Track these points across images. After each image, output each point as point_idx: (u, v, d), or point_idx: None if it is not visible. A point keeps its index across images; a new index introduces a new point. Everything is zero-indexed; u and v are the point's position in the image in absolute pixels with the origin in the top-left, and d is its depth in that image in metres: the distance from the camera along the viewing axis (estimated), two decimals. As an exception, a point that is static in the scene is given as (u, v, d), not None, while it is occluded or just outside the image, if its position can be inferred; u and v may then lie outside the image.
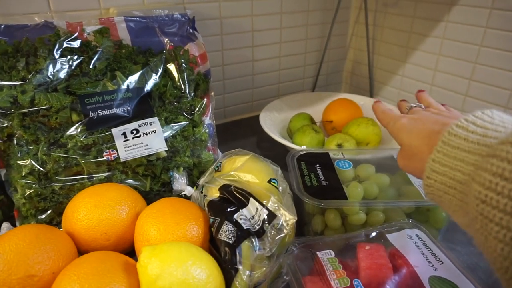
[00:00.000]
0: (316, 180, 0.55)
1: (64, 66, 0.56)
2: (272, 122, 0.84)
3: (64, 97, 0.55)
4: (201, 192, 0.56)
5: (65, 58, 0.56)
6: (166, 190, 0.62)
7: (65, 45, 0.57)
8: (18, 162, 0.53)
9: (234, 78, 1.00)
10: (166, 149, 0.60)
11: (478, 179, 0.27)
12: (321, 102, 0.96)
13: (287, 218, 0.46)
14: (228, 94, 1.01)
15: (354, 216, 0.53)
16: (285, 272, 0.48)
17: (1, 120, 0.53)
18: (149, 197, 0.59)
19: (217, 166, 0.60)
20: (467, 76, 0.86)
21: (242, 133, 0.95)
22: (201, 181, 0.59)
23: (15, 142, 0.54)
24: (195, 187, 0.60)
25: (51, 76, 0.55)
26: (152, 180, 0.60)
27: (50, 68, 0.55)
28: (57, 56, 0.56)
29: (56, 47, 0.56)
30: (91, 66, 0.58)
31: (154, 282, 0.38)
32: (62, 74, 0.56)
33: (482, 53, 0.82)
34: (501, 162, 0.25)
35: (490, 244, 0.25)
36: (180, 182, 0.60)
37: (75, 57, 0.57)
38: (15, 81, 0.53)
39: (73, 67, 0.57)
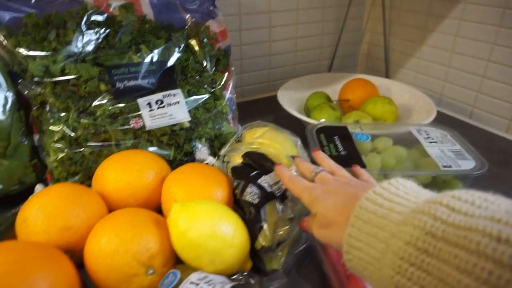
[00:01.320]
0: (335, 150, 0.57)
1: (91, 39, 0.58)
2: (289, 101, 0.85)
3: (92, 68, 0.57)
4: (223, 162, 0.58)
5: (92, 31, 0.58)
6: (188, 159, 0.64)
7: (92, 18, 0.59)
8: (51, 128, 0.56)
9: (251, 58, 1.01)
10: (189, 119, 0.62)
11: (387, 261, 0.27)
12: (337, 82, 0.97)
13: (308, 181, 0.48)
14: (246, 74, 1.03)
15: (372, 185, 0.54)
16: (304, 237, 0.50)
17: (34, 87, 0.55)
18: (173, 166, 0.61)
19: (237, 137, 0.62)
20: (485, 58, 0.86)
21: (259, 111, 0.96)
22: (223, 151, 0.61)
23: (47, 109, 0.56)
24: (216, 157, 0.63)
25: (79, 48, 0.57)
26: (175, 150, 0.62)
27: (79, 40, 0.57)
28: (84, 29, 0.58)
29: (84, 20, 0.58)
30: (116, 39, 0.60)
31: (183, 234, 0.40)
32: (90, 47, 0.58)
33: (501, 34, 0.82)
34: (406, 246, 0.26)
35: None
36: (202, 152, 0.63)
37: (102, 30, 0.59)
38: (47, 52, 0.55)
39: (99, 40, 0.59)
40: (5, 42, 0.53)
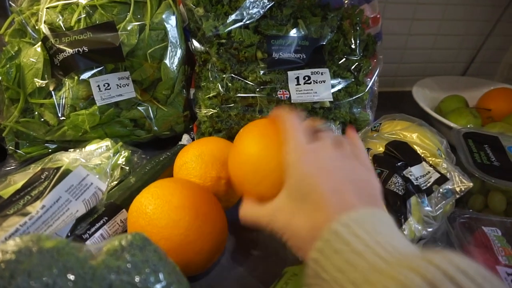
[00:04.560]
0: (486, 158, 0.53)
1: (257, 8, 0.61)
2: (423, 99, 0.81)
3: (253, 35, 0.60)
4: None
5: (259, 1, 0.61)
6: (319, 139, 0.65)
7: (261, -12, 0.62)
8: (208, 84, 0.61)
9: (384, 49, 0.98)
10: (331, 99, 0.62)
11: None
12: (475, 88, 0.90)
13: (461, 183, 0.46)
14: (375, 65, 1.00)
15: (524, 204, 0.50)
16: (438, 238, 0.48)
17: (203, 45, 0.60)
18: (305, 142, 0.63)
19: (375, 126, 0.61)
20: None
21: (382, 105, 0.93)
22: (356, 137, 0.61)
23: (208, 67, 0.61)
24: (347, 142, 0.63)
25: (246, 15, 0.60)
26: (310, 127, 0.64)
27: (247, 7, 0.60)
28: (253, -2, 0.61)
29: (254, -11, 0.61)
30: (278, 11, 0.62)
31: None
32: (254, 15, 0.61)
33: None
34: None
35: None
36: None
37: (267, 1, 0.62)
38: (219, 14, 0.59)
39: (264, 10, 0.61)
40: (188, 1, 0.58)
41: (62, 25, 0.56)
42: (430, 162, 0.49)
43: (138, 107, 0.61)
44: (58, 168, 0.44)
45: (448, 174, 0.47)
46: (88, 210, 0.43)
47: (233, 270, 0.46)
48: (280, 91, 0.61)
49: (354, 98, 0.65)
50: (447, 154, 0.54)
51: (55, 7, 0.57)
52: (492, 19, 1.00)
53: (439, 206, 0.46)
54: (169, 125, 0.64)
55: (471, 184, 0.46)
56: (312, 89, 0.62)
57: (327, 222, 0.27)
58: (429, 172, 0.48)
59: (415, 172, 0.48)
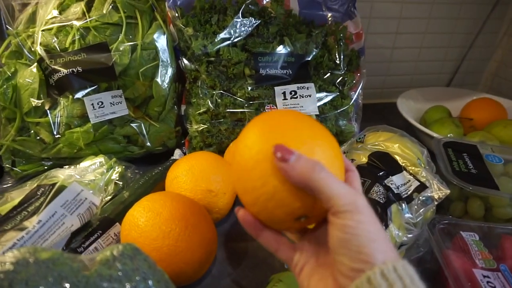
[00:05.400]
0: (464, 166, 0.55)
1: (244, 27, 0.64)
2: (407, 110, 0.84)
3: (241, 53, 0.63)
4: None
5: (246, 20, 0.64)
6: (307, 150, 0.67)
7: (248, 8, 0.65)
8: (199, 101, 0.63)
9: (370, 63, 1.00)
10: (317, 113, 0.65)
11: None
12: (459, 99, 0.93)
13: (439, 190, 0.48)
14: (362, 77, 1.03)
15: (501, 209, 0.52)
16: (421, 244, 0.51)
17: (192, 63, 0.63)
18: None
19: (359, 138, 0.63)
20: None
21: (369, 117, 0.96)
22: (342, 148, 0.64)
23: (198, 84, 0.64)
24: (334, 153, 0.65)
25: (234, 33, 0.63)
26: (298, 139, 0.66)
27: (234, 26, 0.63)
28: (240, 17, 0.64)
29: (242, 9, 0.64)
30: (264, 29, 0.65)
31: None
32: (242, 33, 0.64)
33: None
34: None
35: None
36: (322, 145, 0.66)
37: (253, 20, 0.65)
38: (207, 33, 0.62)
39: (250, 28, 0.64)
40: (177, 21, 0.61)
41: (57, 47, 0.58)
42: (411, 171, 0.52)
43: (131, 124, 0.63)
44: (53, 185, 0.46)
45: (427, 182, 0.50)
46: (83, 224, 0.45)
47: (224, 280, 0.48)
48: (267, 106, 0.64)
49: (339, 111, 0.68)
50: (428, 163, 0.56)
51: (50, 29, 0.59)
52: (473, 32, 1.04)
53: (419, 213, 0.48)
54: (162, 141, 0.67)
55: (449, 191, 0.48)
56: (298, 103, 0.64)
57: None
58: (409, 180, 0.51)
59: (396, 181, 0.51)
